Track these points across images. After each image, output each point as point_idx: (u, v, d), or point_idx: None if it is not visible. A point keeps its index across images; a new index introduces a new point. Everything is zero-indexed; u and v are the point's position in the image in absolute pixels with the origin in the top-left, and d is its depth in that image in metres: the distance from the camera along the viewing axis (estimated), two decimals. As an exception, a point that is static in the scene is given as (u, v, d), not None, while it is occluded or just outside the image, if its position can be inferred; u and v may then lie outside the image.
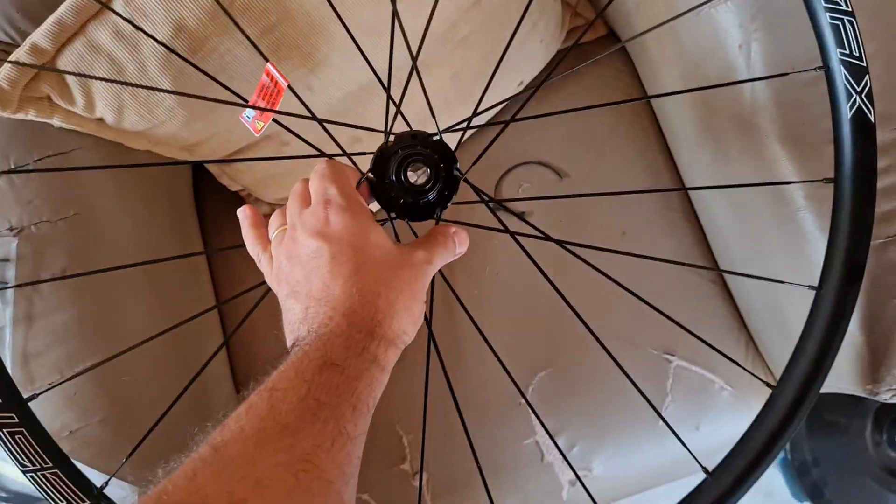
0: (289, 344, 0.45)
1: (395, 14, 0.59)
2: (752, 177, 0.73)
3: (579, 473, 0.83)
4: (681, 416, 0.83)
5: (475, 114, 0.64)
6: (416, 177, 0.57)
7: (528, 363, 0.84)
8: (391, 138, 0.57)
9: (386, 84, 0.61)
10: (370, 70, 0.61)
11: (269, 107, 0.59)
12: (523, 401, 0.82)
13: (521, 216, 0.90)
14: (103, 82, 0.67)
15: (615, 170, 0.88)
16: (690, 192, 0.89)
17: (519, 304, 0.85)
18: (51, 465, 0.55)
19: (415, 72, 0.60)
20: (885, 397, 0.66)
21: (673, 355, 0.83)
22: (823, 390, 0.71)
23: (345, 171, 0.51)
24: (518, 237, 0.64)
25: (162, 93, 0.69)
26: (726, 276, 0.87)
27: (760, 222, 0.75)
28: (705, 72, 0.75)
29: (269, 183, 0.89)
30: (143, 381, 0.70)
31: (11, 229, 0.65)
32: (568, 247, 0.63)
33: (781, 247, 0.73)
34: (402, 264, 0.48)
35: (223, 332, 0.90)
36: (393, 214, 0.56)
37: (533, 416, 0.82)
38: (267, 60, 0.58)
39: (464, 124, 0.65)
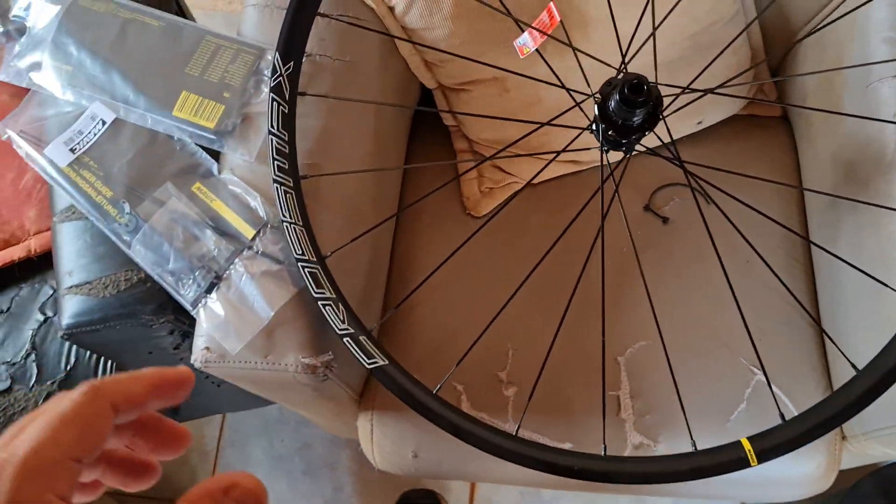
0: None
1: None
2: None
3: (645, 442, 0.92)
4: (748, 424, 0.91)
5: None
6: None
7: (632, 331, 0.96)
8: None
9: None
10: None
11: (539, 39, 0.77)
12: (619, 358, 0.94)
13: (665, 220, 1.05)
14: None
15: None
16: (818, 258, 1.01)
17: (638, 280, 0.98)
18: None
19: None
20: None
21: (758, 370, 0.93)
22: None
23: None
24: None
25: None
26: (825, 319, 0.96)
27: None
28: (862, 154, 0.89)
29: (483, 123, 1.06)
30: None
31: (308, 55, 0.85)
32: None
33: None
34: None
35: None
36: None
37: (624, 373, 0.93)
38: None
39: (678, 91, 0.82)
